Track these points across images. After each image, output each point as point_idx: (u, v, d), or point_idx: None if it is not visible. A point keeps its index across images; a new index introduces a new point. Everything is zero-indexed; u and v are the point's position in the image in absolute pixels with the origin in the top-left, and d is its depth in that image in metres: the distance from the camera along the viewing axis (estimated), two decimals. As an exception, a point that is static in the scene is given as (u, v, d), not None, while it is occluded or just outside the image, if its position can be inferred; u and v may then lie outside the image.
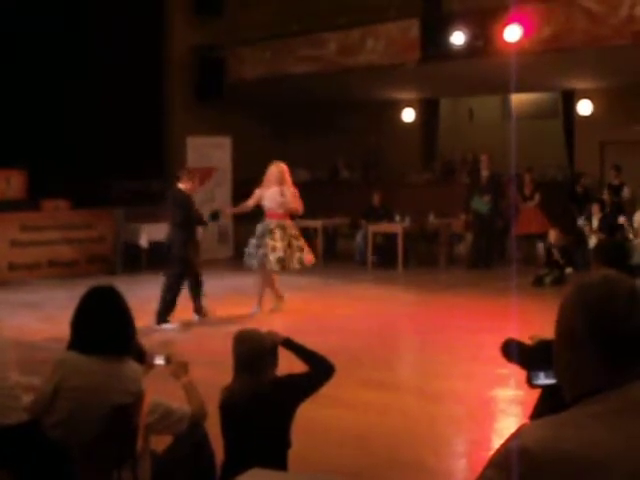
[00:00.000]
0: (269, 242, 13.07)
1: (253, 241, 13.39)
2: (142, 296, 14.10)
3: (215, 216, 14.09)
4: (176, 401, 5.30)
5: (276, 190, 13.15)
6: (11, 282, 16.36)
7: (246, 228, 14.42)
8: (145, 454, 5.04)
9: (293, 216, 13.53)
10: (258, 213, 13.48)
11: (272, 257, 13.01)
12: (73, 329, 4.97)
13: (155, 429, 5.08)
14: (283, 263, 13.05)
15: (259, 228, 13.35)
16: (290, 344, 5.47)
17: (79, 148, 18.85)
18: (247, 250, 13.48)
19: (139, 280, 16.54)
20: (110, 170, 19.05)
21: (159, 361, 5.29)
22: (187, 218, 12.74)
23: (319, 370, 5.42)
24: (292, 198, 13.24)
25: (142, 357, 5.26)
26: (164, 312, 12.50)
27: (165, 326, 12.43)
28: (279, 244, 13.06)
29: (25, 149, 17.31)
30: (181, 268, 12.63)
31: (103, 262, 17.81)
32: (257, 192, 13.39)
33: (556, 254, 16.45)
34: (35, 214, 17.18)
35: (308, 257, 13.41)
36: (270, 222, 13.21)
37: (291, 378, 5.38)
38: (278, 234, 13.10)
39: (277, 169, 13.29)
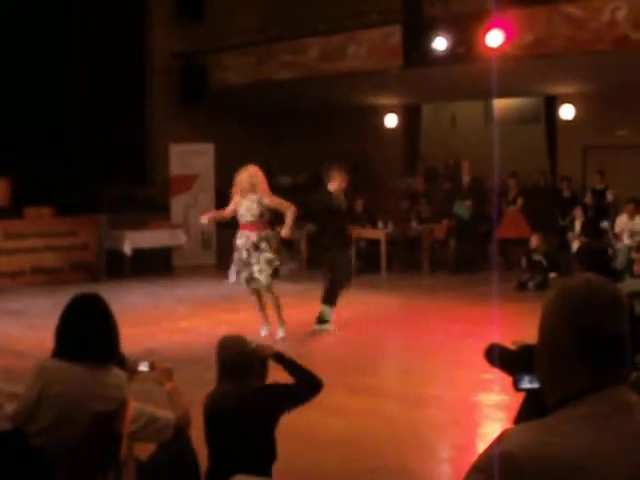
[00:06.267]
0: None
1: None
2: (126, 303, 14.14)
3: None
4: (159, 407, 5.28)
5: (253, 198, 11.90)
6: (-6, 290, 16.29)
7: (230, 234, 14.33)
8: (129, 461, 5.02)
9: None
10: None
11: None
12: (57, 337, 4.94)
13: (139, 436, 5.06)
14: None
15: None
16: (280, 358, 5.46)
17: (62, 155, 18.80)
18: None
19: (123, 287, 16.53)
20: (93, 177, 19.01)
21: (143, 367, 5.26)
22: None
23: (305, 386, 5.42)
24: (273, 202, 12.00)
25: (123, 363, 5.24)
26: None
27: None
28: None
29: (8, 157, 17.23)
30: None
31: (87, 269, 17.72)
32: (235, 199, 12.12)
33: (537, 258, 16.51)
34: (18, 221, 17.09)
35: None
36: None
37: (276, 386, 5.38)
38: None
39: (247, 174, 12.00)
